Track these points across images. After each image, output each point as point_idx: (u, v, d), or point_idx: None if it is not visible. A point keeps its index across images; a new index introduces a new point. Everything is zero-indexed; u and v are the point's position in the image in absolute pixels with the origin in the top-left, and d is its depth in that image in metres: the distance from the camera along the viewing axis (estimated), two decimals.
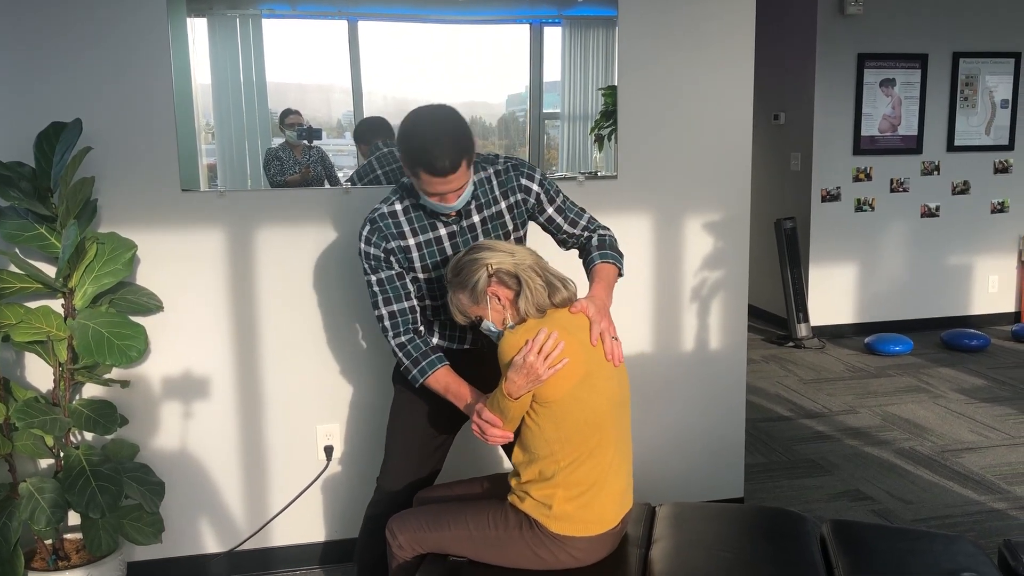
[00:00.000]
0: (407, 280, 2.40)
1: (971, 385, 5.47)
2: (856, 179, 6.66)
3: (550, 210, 2.51)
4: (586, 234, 2.54)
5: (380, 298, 2.37)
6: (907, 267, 6.87)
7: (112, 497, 2.57)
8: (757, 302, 7.34)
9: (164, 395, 3.06)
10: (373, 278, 2.38)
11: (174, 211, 2.98)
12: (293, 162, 3.07)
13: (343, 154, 3.14)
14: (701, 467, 3.59)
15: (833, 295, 6.75)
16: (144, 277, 2.98)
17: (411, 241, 2.39)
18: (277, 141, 3.05)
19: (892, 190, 6.74)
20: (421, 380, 2.35)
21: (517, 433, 2.18)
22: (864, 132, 6.60)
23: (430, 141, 2.17)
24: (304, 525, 3.25)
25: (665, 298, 3.43)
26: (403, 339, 2.37)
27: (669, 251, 3.40)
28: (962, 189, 6.88)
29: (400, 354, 2.37)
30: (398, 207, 2.40)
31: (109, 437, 2.98)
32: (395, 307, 2.37)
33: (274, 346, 3.12)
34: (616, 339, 2.21)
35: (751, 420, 4.86)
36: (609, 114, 3.30)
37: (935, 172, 6.80)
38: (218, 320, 3.06)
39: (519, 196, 2.46)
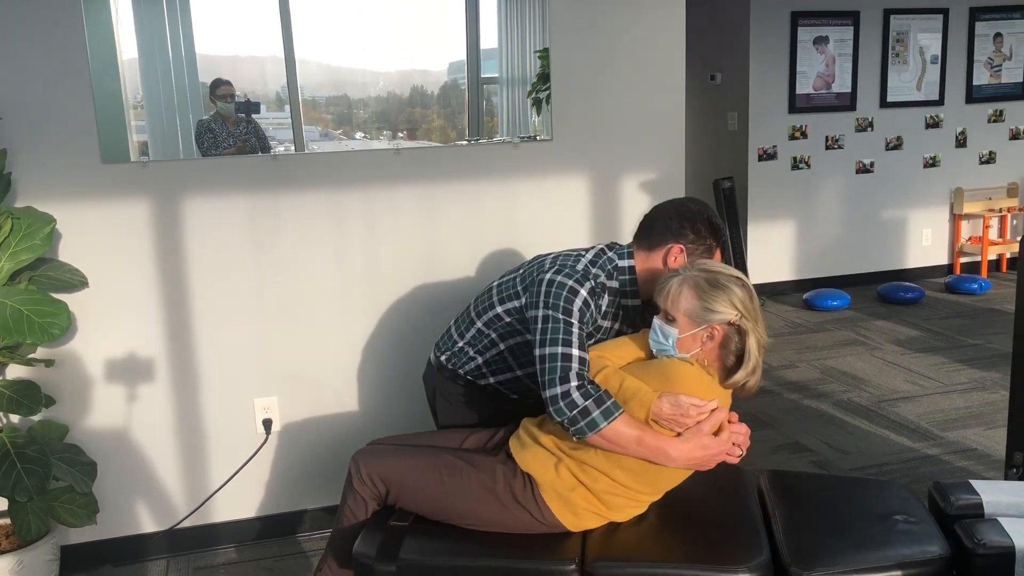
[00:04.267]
0: None
1: (906, 336, 5.59)
2: (792, 137, 6.72)
3: None
4: None
5: (576, 340, 2.16)
6: (843, 223, 6.98)
7: (39, 479, 2.50)
8: None
9: (93, 373, 2.97)
10: (575, 323, 2.19)
11: (95, 184, 2.88)
12: (227, 134, 3.00)
13: (283, 127, 3.07)
14: None
15: (772, 253, 6.83)
16: (67, 253, 2.88)
17: (602, 324, 2.36)
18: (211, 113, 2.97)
19: (827, 147, 6.82)
20: (604, 424, 2.06)
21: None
22: (799, 90, 6.66)
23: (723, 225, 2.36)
24: (246, 500, 3.21)
25: None
26: (586, 383, 2.11)
27: (605, 212, 3.39)
28: (895, 145, 6.99)
29: (581, 398, 2.08)
30: (609, 285, 2.36)
31: (36, 418, 2.89)
32: (586, 356, 2.17)
33: (207, 319, 3.05)
34: None
35: None
36: (546, 77, 3.26)
37: (869, 128, 6.90)
38: (148, 294, 2.98)
39: None
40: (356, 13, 3.03)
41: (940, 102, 7.02)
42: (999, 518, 2.09)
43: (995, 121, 7.17)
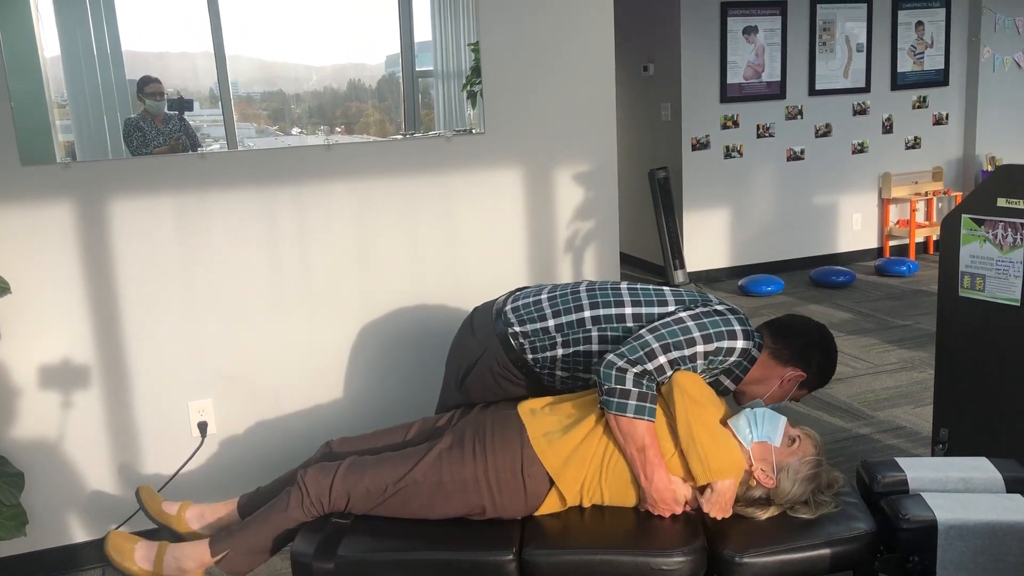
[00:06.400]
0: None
1: (839, 319, 5.72)
2: (724, 126, 6.82)
3: None
4: None
5: (674, 356, 2.19)
6: (776, 210, 7.10)
7: None
8: (635, 251, 7.47)
9: (19, 381, 2.90)
10: (699, 349, 2.21)
11: (15, 187, 2.80)
12: (156, 132, 2.94)
13: (217, 124, 3.03)
14: None
15: (707, 240, 6.93)
16: None
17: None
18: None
19: (759, 135, 6.93)
20: (631, 414, 2.13)
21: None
22: (730, 80, 6.75)
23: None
24: None
25: (539, 250, 3.44)
26: (645, 380, 2.16)
27: (540, 204, 3.41)
28: (824, 132, 7.13)
29: (631, 383, 2.14)
30: (739, 350, 2.31)
31: None
32: (668, 372, 2.20)
33: (137, 322, 2.99)
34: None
35: None
36: (479, 70, 3.26)
37: (799, 116, 7.03)
38: (74, 299, 2.91)
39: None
40: (288, 7, 2.99)
41: (867, 89, 7.18)
42: (922, 493, 2.16)
43: (919, 107, 7.36)
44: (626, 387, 2.13)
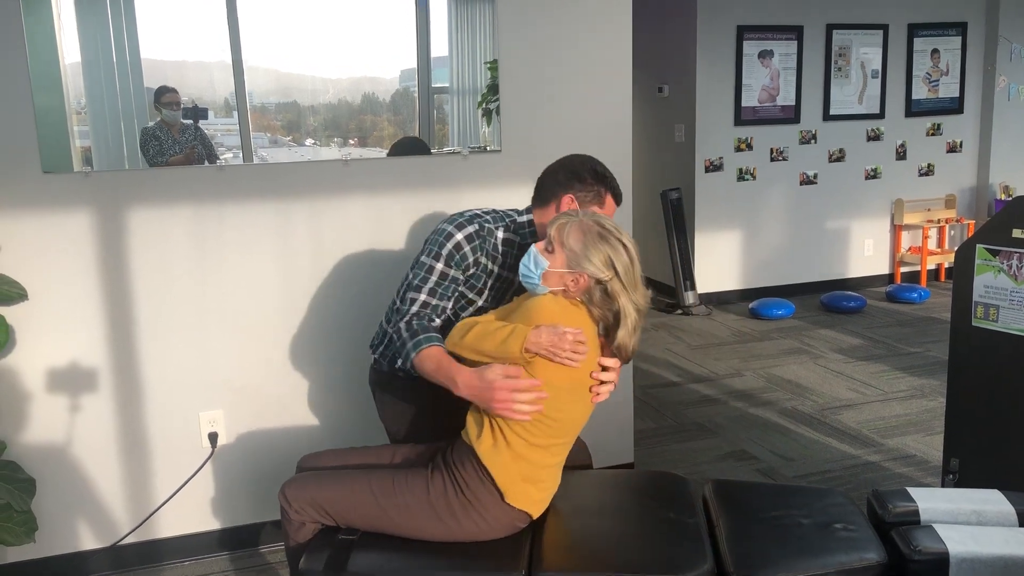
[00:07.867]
0: (456, 292, 2.42)
1: (849, 345, 5.70)
2: (738, 149, 6.83)
3: None
4: None
5: (429, 286, 2.34)
6: (788, 233, 7.10)
7: None
8: (646, 271, 7.40)
9: (32, 388, 2.91)
10: (439, 267, 2.34)
11: (35, 194, 2.83)
12: (172, 142, 2.96)
13: (231, 133, 3.04)
14: (591, 435, 3.62)
15: (718, 262, 6.93)
16: (6, 265, 2.82)
17: (496, 269, 2.45)
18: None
19: (772, 159, 6.94)
20: (414, 353, 2.24)
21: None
22: (744, 103, 6.77)
23: (611, 174, 2.47)
24: (193, 514, 3.16)
25: None
26: (414, 322, 2.31)
27: None
28: (838, 157, 7.14)
29: (404, 332, 2.29)
30: (501, 235, 2.45)
31: None
32: (434, 302, 2.35)
33: (150, 332, 3.01)
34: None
35: (641, 386, 4.96)
36: (495, 88, 3.28)
37: (812, 141, 7.04)
38: (89, 307, 2.93)
39: None
40: (305, 19, 3.02)
41: (881, 115, 7.19)
42: (934, 525, 2.14)
43: (933, 134, 7.37)
44: (402, 339, 2.28)
